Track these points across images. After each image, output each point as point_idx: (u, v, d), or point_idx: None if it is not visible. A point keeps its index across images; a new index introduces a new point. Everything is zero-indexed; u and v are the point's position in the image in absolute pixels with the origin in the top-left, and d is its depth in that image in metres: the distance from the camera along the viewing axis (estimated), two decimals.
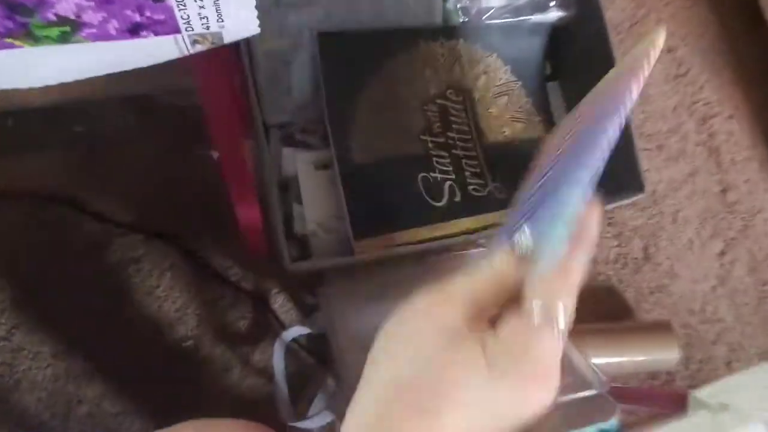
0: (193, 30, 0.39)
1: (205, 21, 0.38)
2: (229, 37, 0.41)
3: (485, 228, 0.65)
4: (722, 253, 1.07)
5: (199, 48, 0.41)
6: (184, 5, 0.37)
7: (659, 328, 0.95)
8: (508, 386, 0.28)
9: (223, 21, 0.39)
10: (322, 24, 0.59)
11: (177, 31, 0.38)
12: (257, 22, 0.39)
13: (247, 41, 0.61)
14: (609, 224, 1.05)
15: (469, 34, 0.64)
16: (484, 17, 0.63)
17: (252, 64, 0.60)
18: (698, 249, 1.06)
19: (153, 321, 0.89)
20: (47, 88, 0.42)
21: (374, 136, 0.62)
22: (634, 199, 0.63)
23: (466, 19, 0.63)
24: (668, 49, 1.18)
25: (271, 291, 0.92)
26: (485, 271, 0.30)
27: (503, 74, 0.68)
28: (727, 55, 1.18)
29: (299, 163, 0.61)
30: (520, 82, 0.69)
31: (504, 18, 0.64)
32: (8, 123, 0.95)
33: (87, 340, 0.87)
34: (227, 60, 0.60)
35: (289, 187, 0.63)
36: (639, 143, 1.09)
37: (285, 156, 0.62)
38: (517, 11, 0.64)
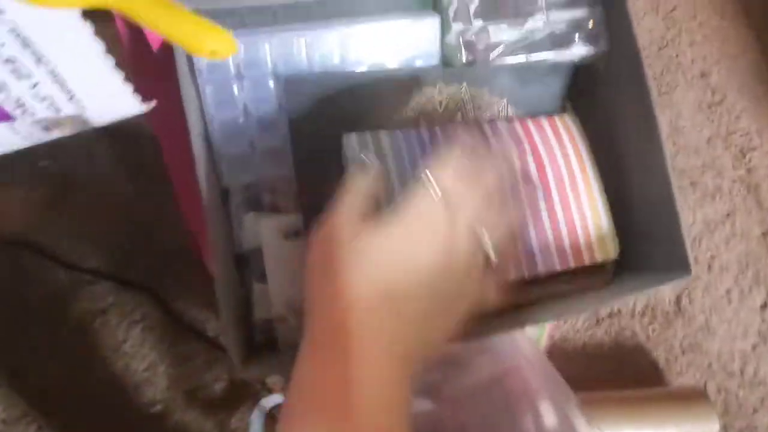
0: (35, 115, 0.30)
1: (50, 103, 0.30)
2: (100, 120, 0.33)
3: None
4: (765, 306, 0.94)
5: (59, 134, 0.33)
6: (5, 86, 0.28)
7: (693, 396, 0.83)
8: (397, 236, 0.35)
9: (78, 101, 0.30)
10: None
11: (8, 118, 0.30)
12: (137, 99, 0.31)
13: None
14: None
15: (474, 77, 0.53)
16: (492, 55, 0.51)
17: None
18: (737, 301, 0.94)
19: (119, 381, 0.79)
20: None
21: None
22: (678, 282, 0.52)
23: (471, 58, 0.52)
24: (701, 74, 1.06)
25: None
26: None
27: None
28: (767, 79, 1.06)
29: (264, 231, 0.51)
30: None
31: (517, 54, 0.53)
32: None
33: (43, 404, 0.77)
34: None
35: (249, 263, 0.53)
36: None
37: (246, 223, 0.52)
38: (534, 47, 0.52)
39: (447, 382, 0.67)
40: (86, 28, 0.30)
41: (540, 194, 0.52)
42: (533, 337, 0.87)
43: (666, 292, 0.93)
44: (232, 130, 0.51)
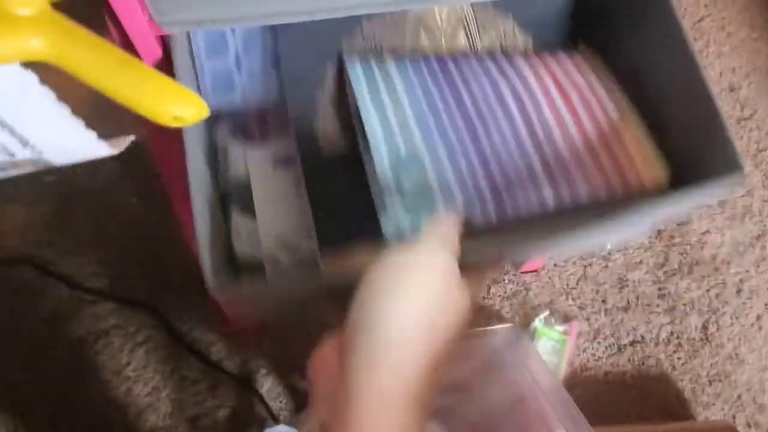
0: None
1: (1, 148, 0.27)
2: (64, 160, 0.30)
3: None
4: None
5: (20, 172, 0.31)
6: None
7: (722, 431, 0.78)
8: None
9: (33, 146, 0.28)
10: None
11: None
12: (93, 136, 0.28)
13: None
14: (659, 296, 0.89)
15: None
16: None
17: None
18: None
19: (121, 406, 0.77)
20: None
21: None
22: (732, 181, 0.45)
23: None
24: (730, 88, 1.02)
25: (258, 372, 0.79)
26: None
27: (522, 43, 0.53)
28: None
29: (251, 161, 0.47)
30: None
31: None
32: None
33: (42, 429, 0.75)
34: None
35: (229, 198, 0.48)
36: None
37: (232, 153, 0.48)
38: None
39: (461, 407, 0.64)
40: (31, 77, 0.28)
41: (576, 134, 0.48)
42: (551, 365, 0.83)
43: (692, 317, 0.88)
44: (217, 46, 0.47)
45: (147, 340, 0.80)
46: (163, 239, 0.83)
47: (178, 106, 0.20)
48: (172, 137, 0.45)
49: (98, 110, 0.32)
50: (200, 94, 0.47)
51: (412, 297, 0.33)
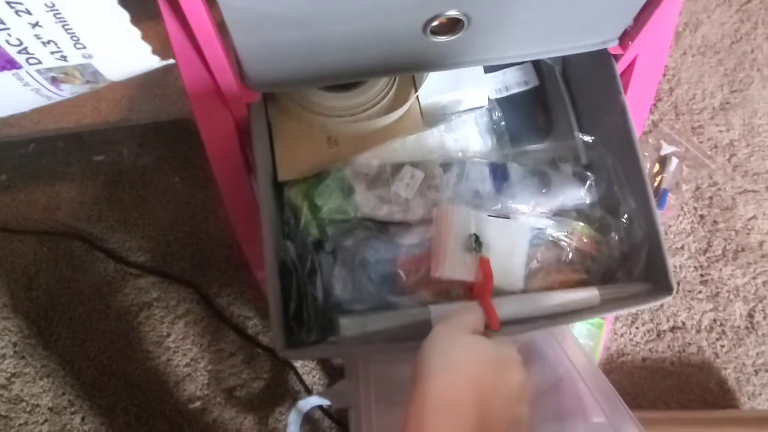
0: (41, 63, 0.28)
1: (54, 48, 0.28)
2: (112, 72, 0.30)
3: None
4: None
5: (70, 89, 0.31)
6: (3, 24, 0.26)
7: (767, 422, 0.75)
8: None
9: (84, 47, 0.28)
10: None
11: (13, 64, 0.28)
12: (148, 48, 0.29)
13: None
14: (701, 282, 0.86)
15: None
16: None
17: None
18: None
19: (161, 376, 0.80)
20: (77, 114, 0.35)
21: None
22: (658, 302, 0.47)
23: None
24: None
25: None
26: None
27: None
28: None
29: None
30: None
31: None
32: (30, 148, 0.90)
33: (87, 396, 0.78)
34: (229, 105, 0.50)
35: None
36: (742, 183, 0.91)
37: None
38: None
39: None
40: None
41: None
42: (587, 348, 0.82)
43: (737, 304, 0.85)
44: None
45: (187, 313, 0.82)
46: (204, 218, 0.86)
47: None
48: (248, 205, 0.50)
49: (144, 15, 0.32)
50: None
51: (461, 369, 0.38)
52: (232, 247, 0.85)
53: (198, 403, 0.78)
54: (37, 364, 0.79)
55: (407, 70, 0.53)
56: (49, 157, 0.89)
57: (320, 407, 0.77)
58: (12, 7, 0.27)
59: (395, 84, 0.57)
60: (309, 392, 0.78)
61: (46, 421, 0.77)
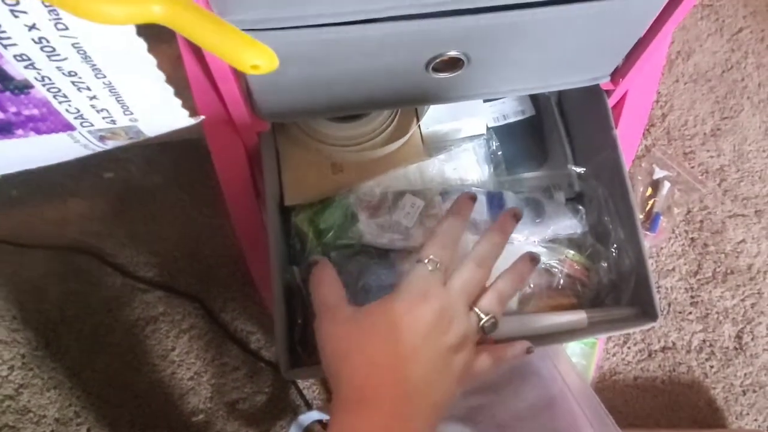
0: (92, 126, 0.32)
1: (106, 114, 0.31)
2: (152, 131, 0.34)
3: None
4: None
5: (113, 144, 0.35)
6: (66, 98, 0.29)
7: None
8: (399, 309, 0.40)
9: (132, 113, 0.32)
10: None
11: (69, 128, 0.31)
12: (185, 112, 0.32)
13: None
14: (692, 304, 0.89)
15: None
16: None
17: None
18: None
19: (165, 389, 0.82)
20: None
21: None
22: (644, 327, 0.50)
23: None
24: None
25: None
26: None
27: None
28: None
29: None
30: None
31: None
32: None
33: (93, 407, 0.80)
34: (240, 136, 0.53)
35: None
36: (732, 207, 0.93)
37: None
38: None
39: (492, 408, 0.66)
40: (141, 44, 0.32)
41: None
42: (580, 367, 0.84)
43: (726, 326, 0.88)
44: None
45: (192, 327, 0.85)
46: (210, 235, 0.89)
47: (255, 57, 0.25)
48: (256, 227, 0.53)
49: (178, 86, 0.36)
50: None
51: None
52: (237, 264, 0.87)
53: (201, 416, 0.80)
54: (44, 375, 0.82)
55: (410, 104, 0.56)
56: (60, 173, 0.91)
57: (320, 422, 0.80)
58: (75, 85, 0.31)
59: (398, 114, 0.60)
60: (309, 407, 0.80)
61: (52, 431, 0.79)
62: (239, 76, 0.47)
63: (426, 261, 0.41)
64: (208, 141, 0.54)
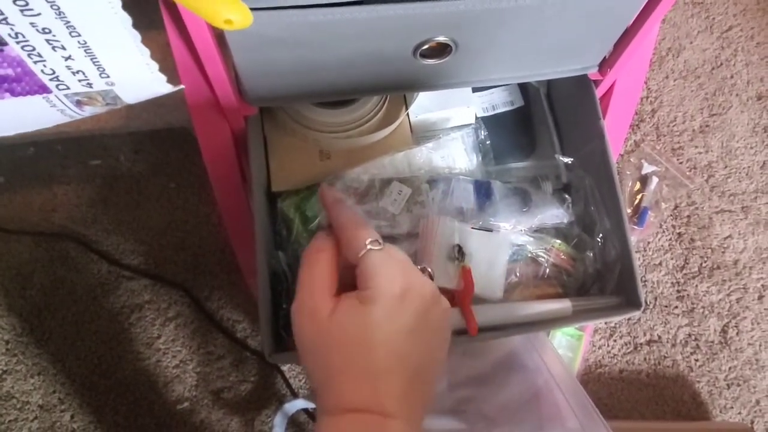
0: (69, 89, 0.31)
1: (82, 77, 0.31)
2: (130, 97, 0.33)
3: None
4: None
5: (91, 110, 0.34)
6: (41, 57, 0.29)
7: None
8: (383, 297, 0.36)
9: (108, 76, 0.31)
10: None
11: (45, 89, 0.31)
12: (163, 78, 0.32)
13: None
14: (678, 298, 0.89)
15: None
16: None
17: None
18: None
19: (150, 377, 0.81)
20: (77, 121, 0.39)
21: None
22: (627, 315, 0.50)
23: None
24: (757, 96, 1.02)
25: None
26: None
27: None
28: None
29: None
30: None
31: None
32: (29, 151, 0.92)
33: (77, 394, 0.80)
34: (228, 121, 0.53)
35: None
36: (719, 203, 0.94)
37: None
38: None
39: (480, 400, 0.66)
40: (126, 18, 0.31)
41: None
42: (566, 359, 0.84)
43: (711, 320, 0.88)
44: None
45: (177, 315, 0.84)
46: (196, 223, 0.88)
47: (230, 12, 0.25)
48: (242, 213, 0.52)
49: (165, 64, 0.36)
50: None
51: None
52: (224, 253, 0.87)
53: (186, 404, 0.80)
54: (28, 362, 0.81)
55: (398, 90, 0.56)
56: (47, 160, 0.90)
57: (305, 410, 0.80)
58: (50, 44, 0.30)
59: (386, 101, 0.60)
60: (295, 395, 0.80)
61: (36, 418, 0.79)
62: (226, 57, 0.47)
63: (368, 245, 0.37)
64: (194, 124, 0.53)
